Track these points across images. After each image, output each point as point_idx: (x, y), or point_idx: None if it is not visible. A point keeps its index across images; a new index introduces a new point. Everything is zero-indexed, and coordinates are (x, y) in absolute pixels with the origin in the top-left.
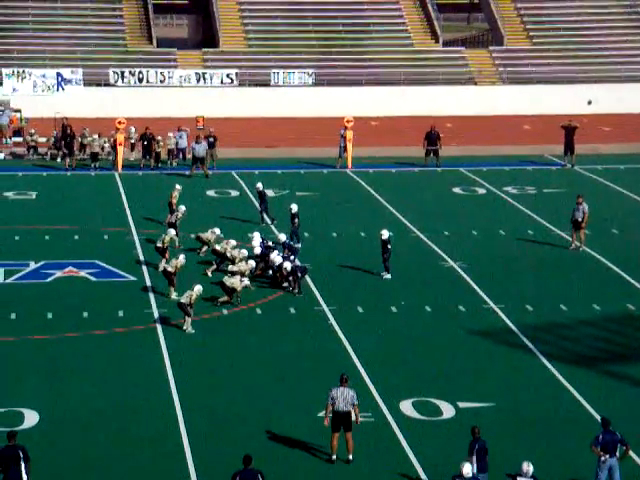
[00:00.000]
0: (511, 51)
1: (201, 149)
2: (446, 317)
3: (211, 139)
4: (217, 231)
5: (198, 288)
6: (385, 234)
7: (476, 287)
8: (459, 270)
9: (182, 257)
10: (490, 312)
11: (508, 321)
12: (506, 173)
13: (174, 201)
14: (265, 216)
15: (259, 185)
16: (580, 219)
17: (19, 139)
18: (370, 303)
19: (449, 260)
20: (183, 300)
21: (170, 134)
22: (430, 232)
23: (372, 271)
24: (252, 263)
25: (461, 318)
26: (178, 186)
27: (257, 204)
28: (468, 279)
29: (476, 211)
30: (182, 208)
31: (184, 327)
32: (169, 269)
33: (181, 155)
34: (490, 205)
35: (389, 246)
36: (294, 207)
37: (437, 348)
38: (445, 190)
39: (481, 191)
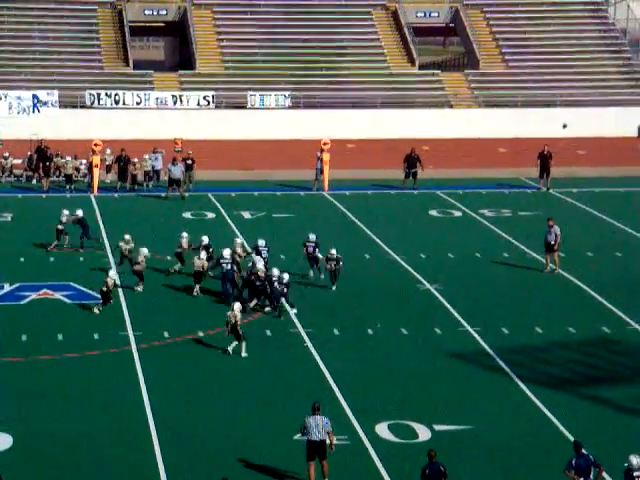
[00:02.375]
0: (486, 75)
1: (177, 171)
2: (422, 339)
3: (189, 161)
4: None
5: (237, 306)
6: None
7: (452, 309)
8: (435, 292)
9: (145, 250)
10: (466, 334)
11: (483, 343)
12: (482, 196)
13: (125, 253)
14: (85, 241)
15: (79, 212)
16: (552, 242)
17: None
18: (346, 325)
19: (425, 282)
20: (234, 321)
21: (146, 156)
22: (406, 254)
23: (348, 293)
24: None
25: (437, 340)
26: (127, 236)
27: (82, 231)
28: (444, 301)
29: (452, 234)
30: (144, 251)
31: (242, 353)
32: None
33: (156, 177)
34: (466, 228)
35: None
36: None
37: (413, 370)
38: (421, 213)
39: (457, 214)
